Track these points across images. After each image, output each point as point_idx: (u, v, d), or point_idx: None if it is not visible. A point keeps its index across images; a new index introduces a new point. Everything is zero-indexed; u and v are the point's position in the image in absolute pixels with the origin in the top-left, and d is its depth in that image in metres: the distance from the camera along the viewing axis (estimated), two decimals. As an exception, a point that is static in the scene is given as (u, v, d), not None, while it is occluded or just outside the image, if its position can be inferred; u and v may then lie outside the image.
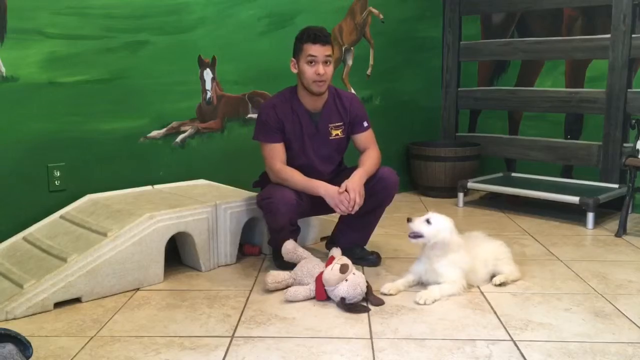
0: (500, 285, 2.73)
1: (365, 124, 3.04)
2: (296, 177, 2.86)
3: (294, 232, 2.94)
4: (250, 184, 3.25)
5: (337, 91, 3.03)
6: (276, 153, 2.90)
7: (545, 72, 4.57)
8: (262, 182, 3.09)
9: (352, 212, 2.79)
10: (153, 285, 2.76)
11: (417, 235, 2.66)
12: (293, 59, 2.90)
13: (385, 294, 2.62)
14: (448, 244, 2.64)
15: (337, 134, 3.00)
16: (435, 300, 2.55)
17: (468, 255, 2.70)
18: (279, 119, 2.90)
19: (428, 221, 2.65)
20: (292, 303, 2.56)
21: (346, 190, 2.77)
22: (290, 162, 2.93)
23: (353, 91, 4.47)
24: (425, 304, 2.52)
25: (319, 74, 2.81)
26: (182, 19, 3.50)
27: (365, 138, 3.03)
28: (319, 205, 2.88)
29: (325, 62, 2.82)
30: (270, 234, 2.99)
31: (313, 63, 2.81)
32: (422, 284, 2.72)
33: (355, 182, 2.80)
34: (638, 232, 3.70)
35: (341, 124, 3.00)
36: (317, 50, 2.81)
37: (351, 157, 3.13)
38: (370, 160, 2.95)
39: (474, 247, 2.78)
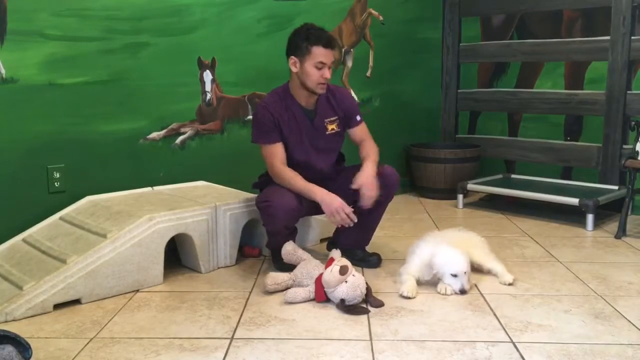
0: (511, 284, 2.77)
1: (358, 117, 3.07)
2: (295, 181, 2.85)
3: (291, 234, 2.94)
4: (250, 185, 3.25)
5: (328, 86, 2.99)
6: (276, 153, 2.90)
7: (545, 73, 4.57)
8: (262, 184, 3.08)
9: (349, 226, 2.79)
10: (153, 287, 2.76)
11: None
12: (294, 57, 2.85)
13: (406, 297, 2.61)
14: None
15: (332, 128, 3.00)
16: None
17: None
18: (274, 118, 2.89)
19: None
20: (292, 305, 2.56)
21: (359, 188, 2.79)
22: (288, 159, 2.93)
23: (353, 93, 4.46)
24: (446, 293, 2.65)
25: (326, 77, 2.82)
26: (182, 20, 3.50)
27: (360, 131, 3.07)
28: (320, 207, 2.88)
29: (330, 66, 2.84)
30: (267, 235, 2.99)
31: (321, 67, 2.81)
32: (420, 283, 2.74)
33: (369, 176, 2.82)
34: (638, 233, 3.70)
35: (336, 117, 3.01)
36: (328, 57, 2.81)
37: (351, 158, 3.14)
38: (372, 149, 2.99)
39: (449, 237, 2.89)
